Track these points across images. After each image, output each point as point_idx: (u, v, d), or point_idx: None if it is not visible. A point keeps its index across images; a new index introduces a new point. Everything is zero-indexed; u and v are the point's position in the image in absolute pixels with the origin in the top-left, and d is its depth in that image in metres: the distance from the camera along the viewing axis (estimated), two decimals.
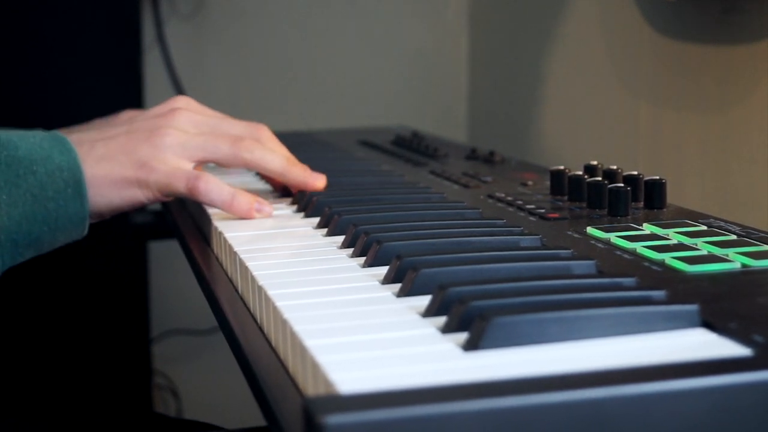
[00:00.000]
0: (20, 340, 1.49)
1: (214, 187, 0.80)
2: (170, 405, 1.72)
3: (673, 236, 0.66)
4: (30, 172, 0.75)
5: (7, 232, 0.73)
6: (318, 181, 0.86)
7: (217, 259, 0.77)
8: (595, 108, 1.34)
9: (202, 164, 0.85)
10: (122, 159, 0.79)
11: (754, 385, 0.41)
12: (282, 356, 0.53)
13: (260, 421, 0.82)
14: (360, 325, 0.50)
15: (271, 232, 0.77)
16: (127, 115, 0.95)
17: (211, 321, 0.70)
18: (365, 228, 0.67)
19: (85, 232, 0.79)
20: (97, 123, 1.01)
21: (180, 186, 0.80)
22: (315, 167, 0.88)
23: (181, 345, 1.71)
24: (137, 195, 0.80)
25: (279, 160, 0.84)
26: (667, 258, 0.60)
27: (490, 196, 0.84)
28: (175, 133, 0.81)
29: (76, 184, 0.77)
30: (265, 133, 0.87)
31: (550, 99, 1.46)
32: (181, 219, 0.92)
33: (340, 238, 0.70)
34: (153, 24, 1.62)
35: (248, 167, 0.84)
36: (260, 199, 0.81)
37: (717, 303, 0.51)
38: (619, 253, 0.63)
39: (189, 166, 0.82)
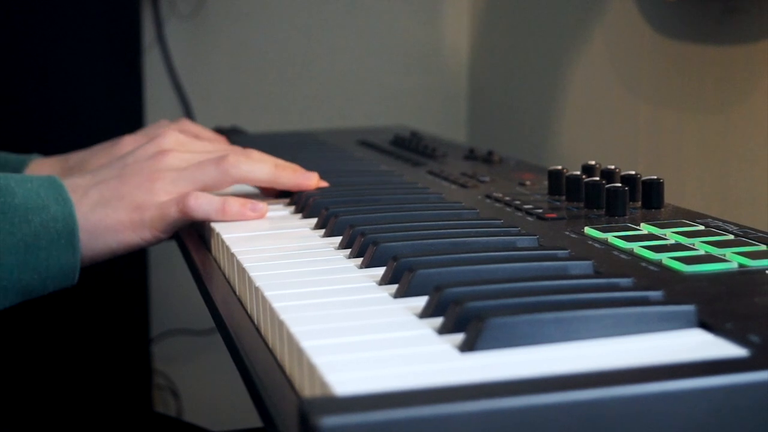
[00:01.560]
0: (20, 339, 1.49)
1: (204, 200, 0.80)
2: (170, 405, 1.72)
3: (671, 236, 0.66)
4: (25, 221, 0.75)
5: None
6: (310, 180, 0.86)
7: (214, 260, 0.77)
8: (595, 108, 1.33)
9: None
10: (116, 204, 0.81)
11: (750, 385, 0.41)
12: (278, 357, 0.53)
13: (260, 421, 0.81)
14: (356, 326, 0.50)
15: (269, 233, 0.77)
16: (123, 146, 0.95)
17: (211, 321, 0.70)
18: (362, 229, 0.67)
19: (75, 281, 0.80)
20: (97, 149, 1.01)
21: (172, 212, 0.81)
22: (314, 167, 0.88)
23: (181, 345, 1.71)
24: (132, 238, 0.81)
25: (267, 168, 0.85)
26: (665, 258, 0.60)
27: (488, 196, 0.84)
28: (166, 174, 0.82)
29: (69, 235, 0.77)
30: (254, 152, 0.88)
31: (549, 99, 1.46)
32: None
33: (338, 239, 0.70)
34: (153, 24, 1.62)
35: (238, 183, 0.85)
36: (252, 200, 0.82)
37: (714, 303, 0.51)
38: (616, 253, 0.63)
39: None
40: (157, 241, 0.83)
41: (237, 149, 0.89)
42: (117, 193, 0.81)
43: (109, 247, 0.81)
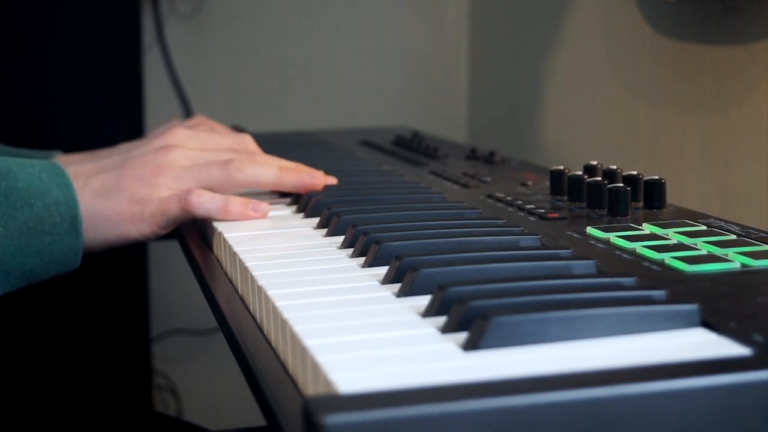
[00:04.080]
0: (20, 339, 1.49)
1: (206, 198, 0.80)
2: (170, 405, 1.72)
3: (673, 236, 0.66)
4: (27, 205, 0.75)
5: (0, 263, 0.74)
6: (315, 180, 0.86)
7: (216, 259, 0.77)
8: (595, 108, 1.34)
9: None
10: (117, 195, 0.80)
11: (753, 384, 0.41)
12: (282, 356, 0.53)
13: (260, 421, 0.81)
14: (360, 324, 0.50)
15: (271, 232, 0.77)
16: (124, 147, 0.95)
17: (211, 321, 0.70)
18: (365, 228, 0.67)
19: (78, 265, 0.79)
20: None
21: (174, 207, 0.80)
22: (315, 167, 0.88)
23: (181, 345, 1.71)
24: (130, 231, 0.80)
25: (271, 171, 0.84)
26: (667, 258, 0.60)
27: (490, 196, 0.84)
28: (170, 170, 0.82)
29: (72, 219, 0.77)
30: (251, 145, 0.88)
31: (550, 99, 1.46)
32: None
33: (340, 239, 0.70)
34: (153, 24, 1.62)
35: (243, 187, 0.84)
36: (254, 201, 0.82)
37: (717, 303, 0.51)
38: (618, 252, 0.63)
39: None
40: (155, 237, 0.82)
41: (238, 142, 0.89)
42: (118, 185, 0.80)
43: (105, 237, 0.80)
